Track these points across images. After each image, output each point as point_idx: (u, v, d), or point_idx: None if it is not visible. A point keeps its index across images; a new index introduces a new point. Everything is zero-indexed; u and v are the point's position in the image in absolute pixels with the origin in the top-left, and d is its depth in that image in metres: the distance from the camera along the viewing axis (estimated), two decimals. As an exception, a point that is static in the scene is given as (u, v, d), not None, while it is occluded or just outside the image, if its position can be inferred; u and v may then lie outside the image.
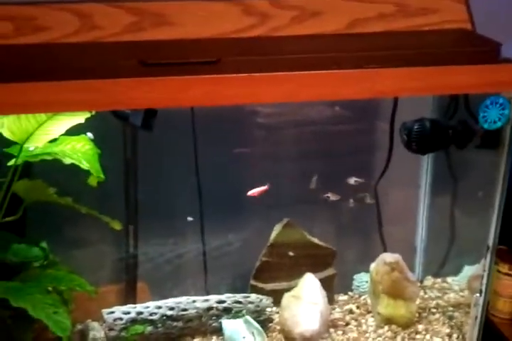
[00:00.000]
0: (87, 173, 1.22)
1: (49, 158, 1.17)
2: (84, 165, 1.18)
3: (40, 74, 0.90)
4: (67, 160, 1.17)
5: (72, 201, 1.19)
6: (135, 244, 1.54)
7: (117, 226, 1.24)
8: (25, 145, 1.17)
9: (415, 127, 1.35)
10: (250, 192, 1.43)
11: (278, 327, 1.42)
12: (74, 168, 1.20)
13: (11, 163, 1.16)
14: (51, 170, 1.24)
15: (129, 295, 1.54)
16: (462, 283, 1.62)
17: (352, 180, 1.48)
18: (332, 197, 1.48)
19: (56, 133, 1.17)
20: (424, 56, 1.05)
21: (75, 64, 0.97)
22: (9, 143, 1.19)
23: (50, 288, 1.18)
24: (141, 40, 1.02)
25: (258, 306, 1.41)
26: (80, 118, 1.15)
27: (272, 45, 1.13)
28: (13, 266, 1.30)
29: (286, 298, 1.41)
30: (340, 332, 1.41)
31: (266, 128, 1.55)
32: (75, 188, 1.28)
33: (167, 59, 0.98)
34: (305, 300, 1.39)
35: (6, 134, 1.13)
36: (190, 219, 1.50)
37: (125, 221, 1.46)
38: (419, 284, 1.58)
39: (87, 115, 1.16)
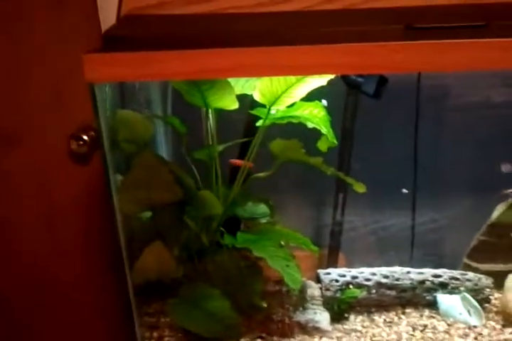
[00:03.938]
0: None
1: (294, 121, 1.23)
2: (324, 130, 1.22)
3: (300, 40, 0.95)
4: (309, 124, 1.22)
5: (321, 162, 1.23)
6: (342, 212, 1.57)
7: (361, 189, 1.25)
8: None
9: None
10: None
11: (494, 309, 1.36)
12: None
13: (260, 123, 1.24)
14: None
15: (330, 261, 1.58)
16: None
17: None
18: None
19: (298, 97, 1.22)
20: None
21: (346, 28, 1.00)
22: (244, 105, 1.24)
23: (282, 243, 1.25)
24: (407, 5, 1.02)
25: (476, 284, 1.36)
26: (321, 79, 1.17)
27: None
28: (242, 220, 1.40)
29: (511, 279, 1.35)
30: None
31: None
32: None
33: (433, 23, 0.97)
34: (531, 283, 1.32)
35: (257, 97, 1.21)
36: (405, 191, 1.49)
37: (335, 188, 1.50)
38: None
39: (329, 77, 1.17)
